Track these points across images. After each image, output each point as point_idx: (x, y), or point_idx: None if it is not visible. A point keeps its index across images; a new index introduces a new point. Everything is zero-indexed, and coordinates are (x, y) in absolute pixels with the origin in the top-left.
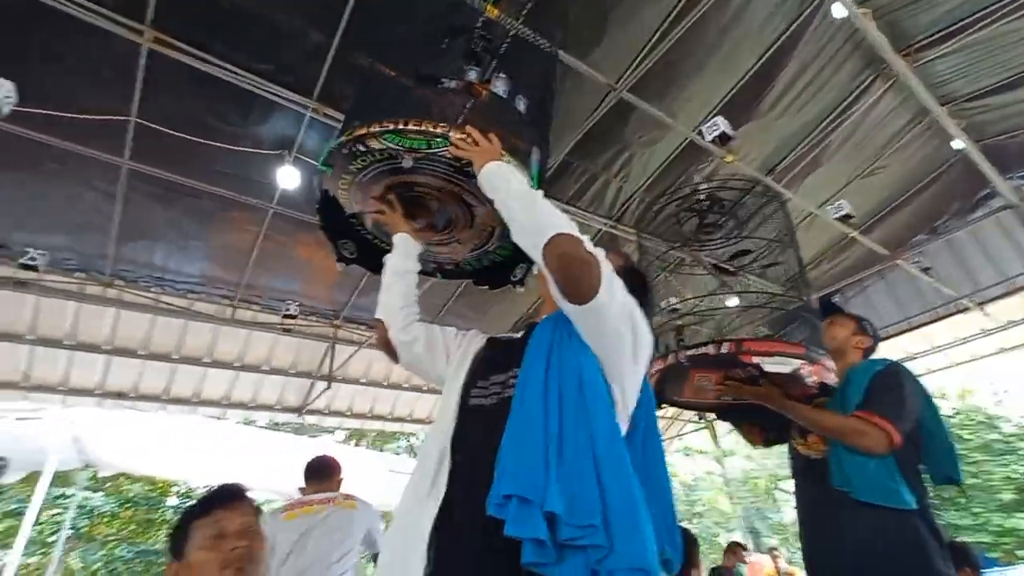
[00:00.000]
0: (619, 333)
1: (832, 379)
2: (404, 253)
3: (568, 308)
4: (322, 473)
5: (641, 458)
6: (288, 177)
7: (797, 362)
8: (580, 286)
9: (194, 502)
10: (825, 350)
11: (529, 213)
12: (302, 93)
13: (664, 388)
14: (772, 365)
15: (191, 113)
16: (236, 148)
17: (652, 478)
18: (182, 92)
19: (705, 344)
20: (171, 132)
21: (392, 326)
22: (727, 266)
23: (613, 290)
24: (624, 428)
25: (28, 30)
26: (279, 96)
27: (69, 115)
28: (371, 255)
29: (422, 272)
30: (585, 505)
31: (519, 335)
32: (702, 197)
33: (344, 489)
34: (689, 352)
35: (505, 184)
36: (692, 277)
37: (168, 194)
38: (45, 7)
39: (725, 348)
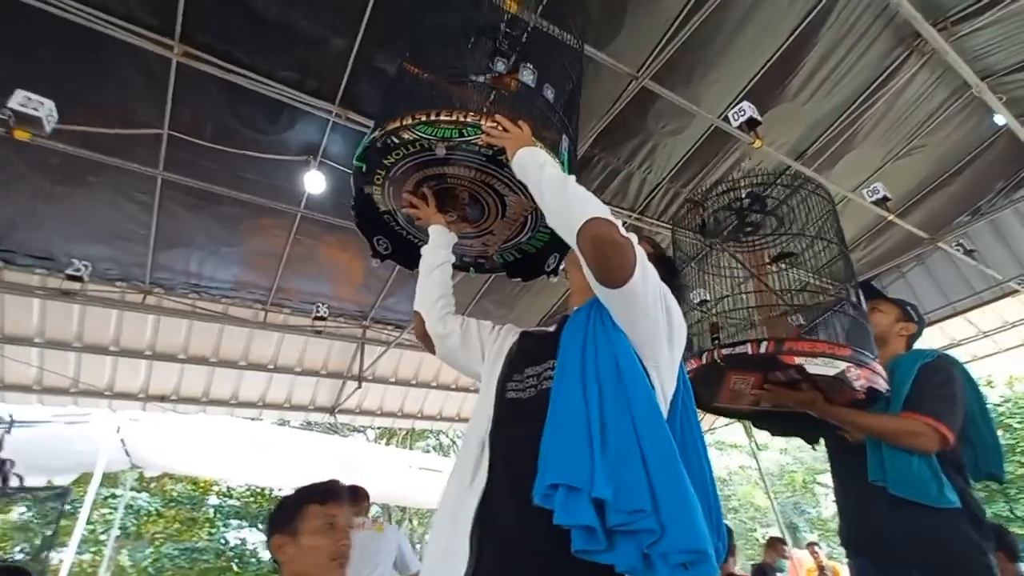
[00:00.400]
0: (654, 317)
1: (882, 384)
2: (439, 244)
3: (603, 292)
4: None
5: (680, 446)
6: (314, 182)
7: (843, 364)
8: (615, 269)
9: (308, 485)
10: (873, 353)
11: (563, 198)
12: (325, 99)
13: (699, 391)
14: (816, 367)
15: (220, 123)
16: (264, 155)
17: (692, 467)
18: (211, 103)
19: (743, 343)
20: (201, 143)
21: (429, 318)
22: (770, 267)
23: (647, 274)
24: (664, 414)
25: (64, 50)
26: (303, 103)
27: (105, 130)
28: (405, 251)
29: (455, 266)
30: (633, 490)
31: (552, 328)
32: (743, 195)
33: (377, 487)
34: (725, 351)
35: (538, 169)
36: (725, 270)
37: (201, 202)
38: (79, 27)
39: (764, 347)
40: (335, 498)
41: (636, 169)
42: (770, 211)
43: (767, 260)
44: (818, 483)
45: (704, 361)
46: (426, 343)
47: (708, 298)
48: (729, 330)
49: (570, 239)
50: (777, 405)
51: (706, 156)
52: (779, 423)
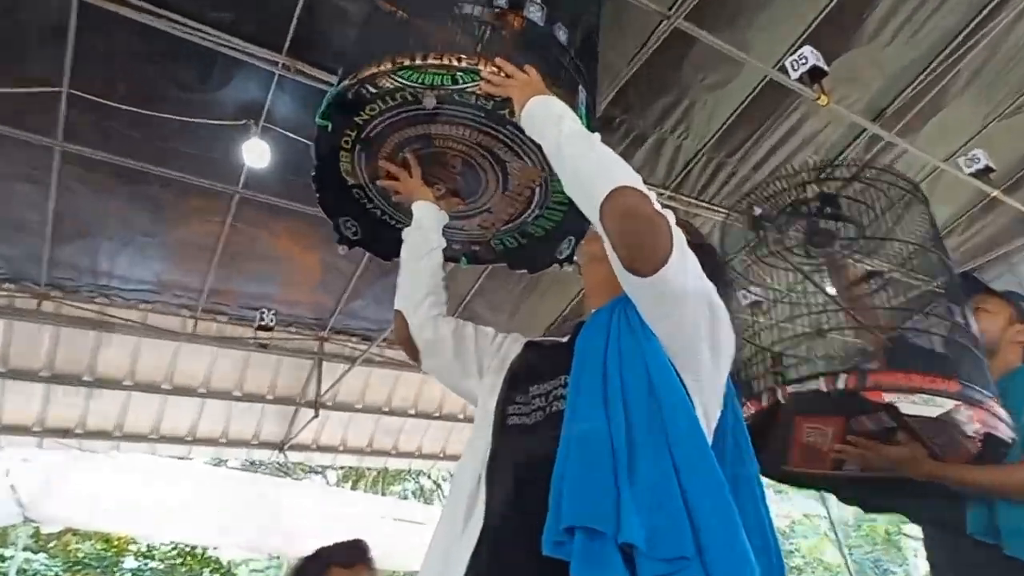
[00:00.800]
0: (694, 316)
1: (1005, 431)
2: (426, 225)
3: (631, 283)
4: None
5: (731, 487)
6: (256, 152)
7: (949, 402)
8: (647, 250)
9: (331, 545)
10: (988, 385)
11: (587, 159)
12: (269, 47)
13: (761, 450)
14: (912, 406)
15: (134, 79)
16: (191, 119)
17: (748, 514)
18: (122, 53)
19: (815, 377)
20: (111, 104)
21: (414, 319)
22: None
23: (686, 260)
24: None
25: None
26: (241, 51)
27: None
28: (380, 236)
29: (447, 260)
30: (672, 532)
31: (565, 339)
32: (809, 196)
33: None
34: (792, 388)
35: (556, 122)
36: (793, 294)
37: (111, 181)
38: None
39: (843, 382)
40: (362, 559)
41: (669, 134)
42: (846, 217)
43: (853, 280)
44: (904, 534)
45: (764, 404)
46: (410, 351)
47: (761, 298)
48: (793, 361)
49: (592, 212)
50: (867, 467)
51: (758, 117)
52: (873, 493)
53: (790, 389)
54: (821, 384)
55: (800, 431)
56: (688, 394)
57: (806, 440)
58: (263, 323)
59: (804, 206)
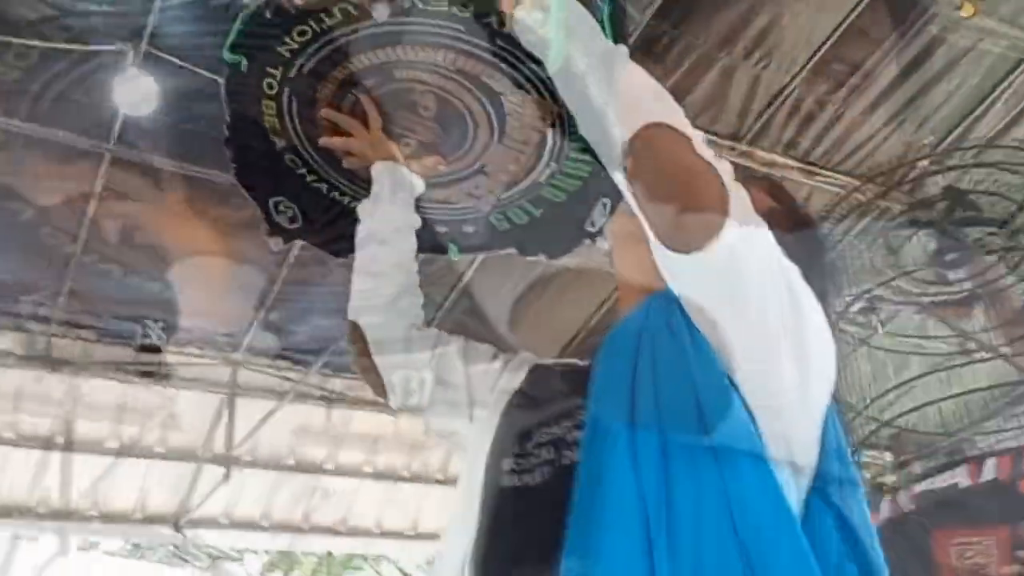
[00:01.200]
0: (762, 314)
1: None
2: (392, 198)
3: (669, 262)
4: None
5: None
6: (135, 91)
7: None
8: (687, 215)
9: None
10: None
11: (603, 89)
12: None
13: None
14: None
15: None
16: (36, 43)
17: None
18: None
19: (952, 465)
20: None
21: (377, 333)
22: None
23: (752, 230)
24: (794, 507)
25: None
26: None
27: None
28: (328, 219)
29: (426, 249)
30: None
31: (584, 362)
32: (937, 196)
33: None
34: (920, 488)
35: (563, 33)
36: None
37: None
38: None
39: (992, 471)
40: None
41: (742, 60)
42: (987, 219)
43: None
44: None
45: (886, 514)
46: (371, 379)
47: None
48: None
49: (613, 163)
50: None
51: (872, 35)
52: None
53: (918, 489)
54: (963, 478)
55: (943, 551)
56: (760, 436)
57: (958, 562)
58: (148, 341)
59: (925, 209)
